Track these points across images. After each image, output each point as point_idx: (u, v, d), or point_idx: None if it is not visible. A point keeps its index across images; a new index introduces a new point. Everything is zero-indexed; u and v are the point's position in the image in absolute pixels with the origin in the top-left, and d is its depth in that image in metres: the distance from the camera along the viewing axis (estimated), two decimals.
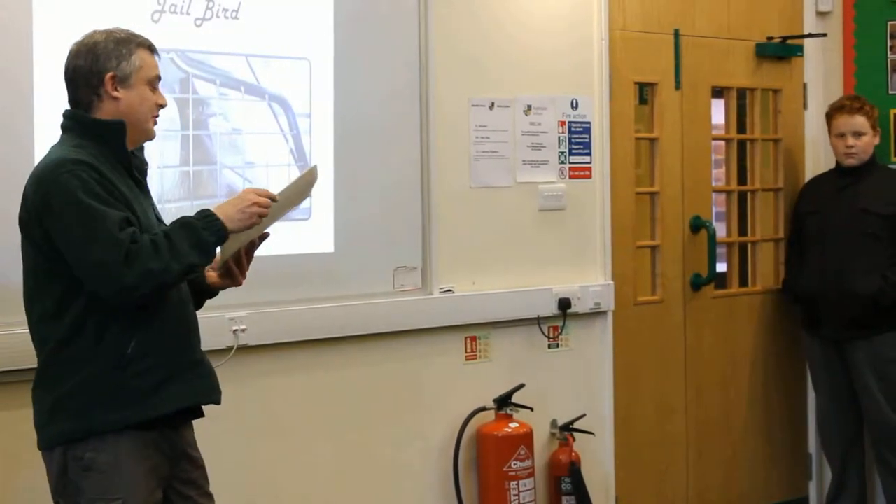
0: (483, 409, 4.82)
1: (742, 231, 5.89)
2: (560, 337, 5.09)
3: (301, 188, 3.37)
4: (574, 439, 5.02)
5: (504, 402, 4.82)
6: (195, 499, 3.33)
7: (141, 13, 3.98)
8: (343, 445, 4.50)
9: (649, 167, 5.49)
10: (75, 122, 3.20)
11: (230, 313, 4.09)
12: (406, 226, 4.63)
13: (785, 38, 5.87)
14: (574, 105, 5.12)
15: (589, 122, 5.16)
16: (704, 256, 5.57)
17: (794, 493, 6.02)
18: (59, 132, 3.24)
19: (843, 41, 6.01)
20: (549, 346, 5.08)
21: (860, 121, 5.45)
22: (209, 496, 3.39)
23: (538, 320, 4.99)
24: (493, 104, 4.89)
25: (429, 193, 4.67)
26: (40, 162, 3.18)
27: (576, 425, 5.01)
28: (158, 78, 3.27)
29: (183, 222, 3.10)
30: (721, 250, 5.76)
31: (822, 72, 6.00)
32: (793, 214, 5.81)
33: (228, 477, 4.20)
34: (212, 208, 3.16)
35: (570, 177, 5.10)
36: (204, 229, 3.08)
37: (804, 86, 5.99)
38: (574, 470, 4.96)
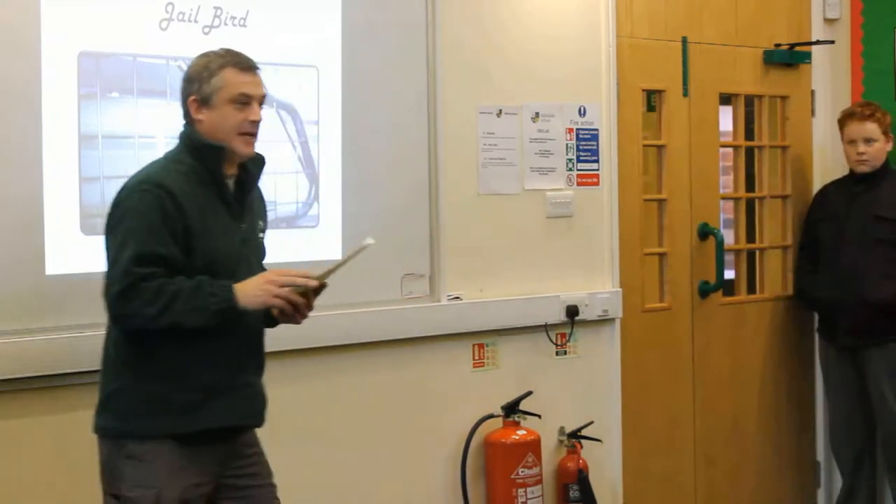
0: (491, 416, 4.82)
1: (750, 238, 5.88)
2: (568, 344, 5.09)
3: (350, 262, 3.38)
4: (582, 446, 5.01)
5: (512, 409, 4.81)
6: (253, 488, 3.46)
7: (149, 21, 3.99)
8: (350, 453, 4.49)
9: (657, 174, 5.49)
10: (184, 135, 3.37)
11: None
12: (414, 233, 4.63)
13: (793, 45, 5.86)
14: (582, 112, 5.12)
15: (596, 130, 5.15)
16: (712, 264, 5.56)
17: (803, 501, 6.00)
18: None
19: (850, 48, 6.00)
20: (557, 354, 5.08)
21: (871, 127, 5.44)
22: (270, 486, 3.52)
23: (546, 327, 4.99)
24: (500, 111, 4.89)
25: (437, 200, 4.67)
26: (143, 167, 3.36)
27: (583, 432, 5.01)
28: (247, 95, 3.32)
29: (198, 283, 3.19)
30: (729, 257, 5.74)
31: (829, 79, 6.00)
32: (806, 221, 5.81)
33: None
34: (238, 284, 3.23)
35: (578, 184, 5.09)
36: (211, 295, 3.17)
37: (812, 93, 5.99)
38: (582, 477, 4.95)
